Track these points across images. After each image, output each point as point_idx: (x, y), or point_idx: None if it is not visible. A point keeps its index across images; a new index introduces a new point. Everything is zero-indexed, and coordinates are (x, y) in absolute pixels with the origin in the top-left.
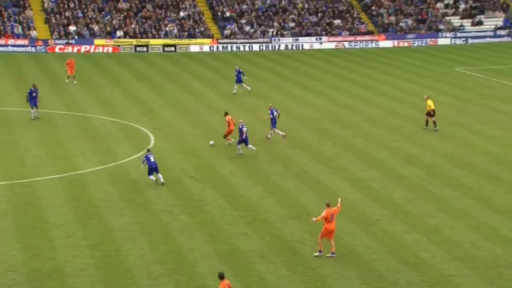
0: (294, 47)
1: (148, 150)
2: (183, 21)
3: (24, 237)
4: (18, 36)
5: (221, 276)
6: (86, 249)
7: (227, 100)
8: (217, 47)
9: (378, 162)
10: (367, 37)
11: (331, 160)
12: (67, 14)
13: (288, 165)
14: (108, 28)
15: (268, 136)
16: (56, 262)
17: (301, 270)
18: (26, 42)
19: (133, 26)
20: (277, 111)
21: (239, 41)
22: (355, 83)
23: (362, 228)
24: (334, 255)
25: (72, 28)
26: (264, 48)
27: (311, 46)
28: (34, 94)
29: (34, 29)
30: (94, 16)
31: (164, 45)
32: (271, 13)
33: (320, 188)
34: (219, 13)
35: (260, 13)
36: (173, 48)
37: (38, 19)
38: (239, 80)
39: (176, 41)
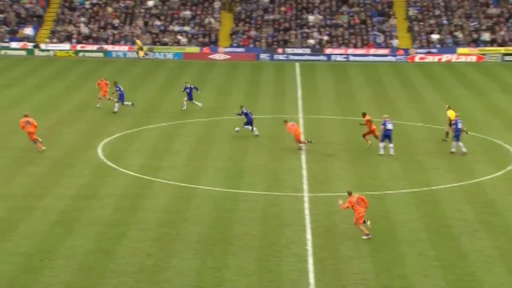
0: None
1: (241, 107)
2: None
3: (375, 250)
4: (379, 45)
5: None
6: (438, 270)
7: None
8: None
9: None
10: None
11: None
12: (431, 21)
13: None
14: (474, 36)
15: (453, 149)
16: (406, 281)
17: None
18: (387, 51)
19: (502, 32)
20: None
21: None
22: None
23: None
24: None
25: (434, 36)
26: None
27: None
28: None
29: (396, 38)
30: (460, 23)
31: None
32: None
33: None
34: None
35: None
36: None
37: (401, 28)
38: (190, 98)
39: None
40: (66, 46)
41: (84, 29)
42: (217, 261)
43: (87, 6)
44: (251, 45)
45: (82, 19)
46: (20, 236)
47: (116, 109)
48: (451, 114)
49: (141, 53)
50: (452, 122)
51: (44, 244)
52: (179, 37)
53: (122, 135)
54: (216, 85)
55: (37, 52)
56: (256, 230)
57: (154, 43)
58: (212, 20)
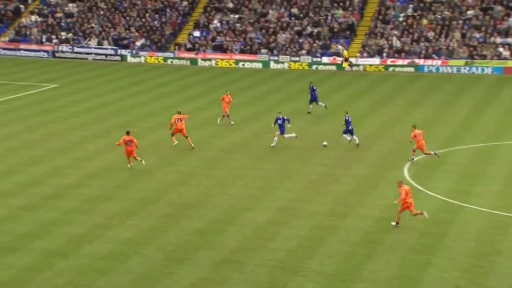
0: None
1: (346, 112)
2: None
3: None
4: None
5: None
6: None
7: None
8: None
9: None
10: None
11: None
12: None
13: None
14: None
15: None
16: None
17: None
18: None
19: None
20: None
21: None
22: None
23: None
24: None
25: None
26: None
27: None
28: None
29: None
30: None
31: None
32: None
33: None
34: None
35: None
36: None
37: None
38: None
39: None
40: (376, 60)
41: (396, 43)
42: None
43: (401, 19)
44: None
45: (395, 32)
46: (324, 255)
47: (309, 110)
48: None
49: (345, 65)
50: None
51: (347, 266)
52: (500, 49)
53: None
54: None
55: (347, 67)
56: None
57: (471, 56)
58: None
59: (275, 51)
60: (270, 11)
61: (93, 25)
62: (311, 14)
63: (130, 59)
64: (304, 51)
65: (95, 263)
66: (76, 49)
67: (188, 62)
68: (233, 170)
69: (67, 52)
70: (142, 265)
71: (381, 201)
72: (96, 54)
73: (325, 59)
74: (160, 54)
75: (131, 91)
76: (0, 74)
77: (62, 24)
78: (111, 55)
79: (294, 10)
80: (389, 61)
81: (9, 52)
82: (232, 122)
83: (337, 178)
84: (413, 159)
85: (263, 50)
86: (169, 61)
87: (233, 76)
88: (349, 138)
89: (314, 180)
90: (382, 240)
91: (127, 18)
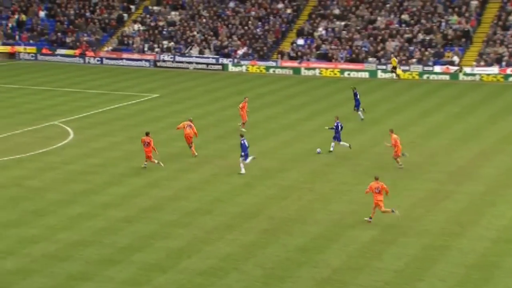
0: None
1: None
2: None
3: None
4: None
5: None
6: None
7: None
8: None
9: None
10: None
11: None
12: None
13: None
14: None
15: None
16: None
17: None
18: None
19: None
20: None
21: None
22: None
23: None
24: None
25: None
26: None
27: None
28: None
29: None
30: None
31: None
32: None
33: None
34: None
35: None
36: None
37: None
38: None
39: None
40: (494, 69)
41: None
42: None
43: None
44: None
45: None
46: (435, 278)
47: (362, 117)
48: None
49: (399, 72)
50: None
51: None
52: None
53: None
54: None
55: (461, 76)
56: None
57: None
58: None
59: (383, 60)
60: (379, 18)
61: (195, 33)
62: (423, 21)
63: (231, 68)
64: (414, 60)
65: (194, 278)
66: (177, 58)
67: (291, 71)
68: (337, 184)
69: (168, 61)
70: (241, 281)
71: (499, 221)
72: (197, 63)
73: (437, 68)
74: (262, 63)
75: (232, 102)
76: (103, 84)
77: (164, 32)
78: (212, 64)
79: (405, 17)
80: (509, 70)
81: (111, 62)
82: (243, 130)
83: (449, 195)
84: (401, 165)
85: (370, 59)
86: (271, 70)
87: (337, 85)
88: (332, 147)
89: (424, 196)
90: (501, 263)
91: (229, 26)
